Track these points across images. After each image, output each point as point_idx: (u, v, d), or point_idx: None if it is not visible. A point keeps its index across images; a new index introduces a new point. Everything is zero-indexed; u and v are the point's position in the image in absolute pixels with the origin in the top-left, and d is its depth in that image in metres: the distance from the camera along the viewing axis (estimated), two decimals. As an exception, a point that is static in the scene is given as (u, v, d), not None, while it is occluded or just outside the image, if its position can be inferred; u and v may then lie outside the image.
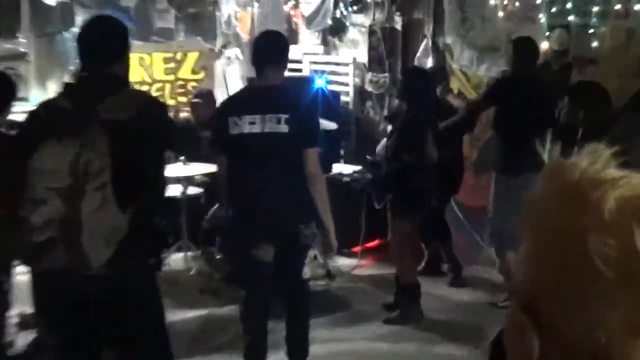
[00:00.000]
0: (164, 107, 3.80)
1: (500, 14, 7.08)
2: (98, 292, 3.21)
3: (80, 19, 8.23)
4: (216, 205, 6.20)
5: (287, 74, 4.54)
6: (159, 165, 3.55)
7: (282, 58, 4.38)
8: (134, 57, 8.52)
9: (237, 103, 4.42)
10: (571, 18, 6.49)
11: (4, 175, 3.35)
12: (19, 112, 4.58)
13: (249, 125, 4.20)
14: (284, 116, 4.16)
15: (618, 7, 6.07)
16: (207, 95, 7.33)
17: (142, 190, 3.28)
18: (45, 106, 3.44)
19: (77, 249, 3.15)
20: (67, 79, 8.48)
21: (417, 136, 5.39)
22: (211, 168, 5.78)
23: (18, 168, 3.24)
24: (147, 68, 8.90)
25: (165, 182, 3.80)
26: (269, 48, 4.36)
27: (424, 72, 6.53)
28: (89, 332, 3.33)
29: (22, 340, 4.86)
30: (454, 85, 7.49)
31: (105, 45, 3.39)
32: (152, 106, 3.52)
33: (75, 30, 8.04)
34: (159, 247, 3.67)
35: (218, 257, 6.25)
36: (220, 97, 7.49)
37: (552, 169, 0.96)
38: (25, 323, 4.88)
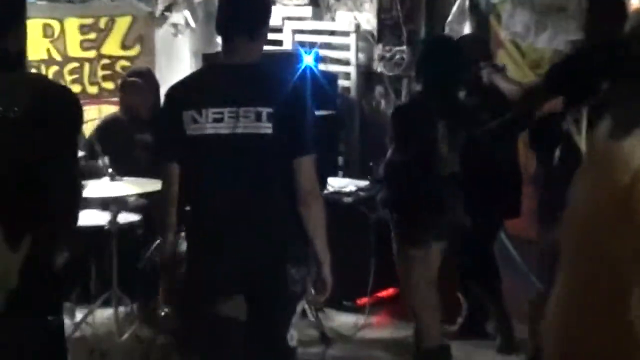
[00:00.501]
0: (70, 96, 3.84)
1: None
2: None
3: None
4: (160, 239, 6.17)
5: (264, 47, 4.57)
6: (63, 179, 3.56)
7: (261, 23, 4.37)
8: (34, 24, 8.53)
9: (195, 90, 4.37)
10: None
11: None
12: None
13: (213, 122, 4.17)
14: (266, 110, 4.14)
15: None
16: (146, 76, 7.43)
17: (40, 216, 3.34)
18: None
19: None
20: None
21: (417, 129, 5.47)
22: (152, 185, 5.75)
23: None
24: (56, 40, 8.98)
25: (74, 202, 3.79)
26: (242, 8, 4.34)
27: (449, 41, 6.59)
28: None
29: None
30: (502, 62, 7.47)
31: None
32: (53, 95, 3.59)
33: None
34: (59, 297, 3.75)
35: (163, 313, 6.24)
36: (165, 81, 7.50)
37: (597, 164, 0.99)
38: None
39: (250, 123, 4.15)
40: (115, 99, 8.06)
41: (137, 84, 7.23)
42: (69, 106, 3.63)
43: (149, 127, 6.54)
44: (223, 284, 4.17)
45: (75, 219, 3.72)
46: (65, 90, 4.08)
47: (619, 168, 1.04)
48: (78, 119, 3.75)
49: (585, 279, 1.10)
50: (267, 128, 4.14)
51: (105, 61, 9.19)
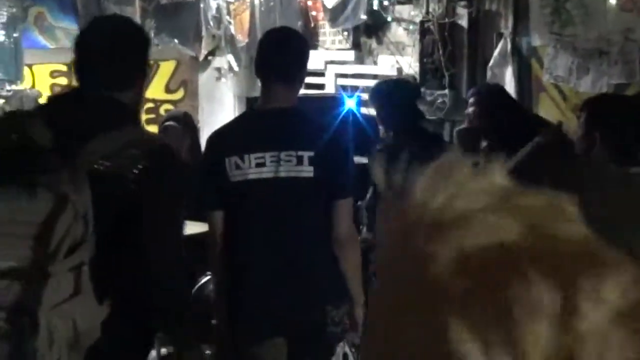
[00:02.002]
0: (182, 163, 4.01)
1: (612, 1, 7.03)
2: None
3: (4, 13, 8.43)
4: (206, 278, 6.24)
5: (305, 91, 4.59)
6: (168, 246, 3.60)
7: (299, 69, 4.41)
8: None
9: (237, 136, 4.39)
10: None
11: None
12: None
13: (256, 167, 4.19)
14: (307, 154, 4.18)
15: None
16: (183, 119, 7.45)
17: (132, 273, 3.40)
18: (10, 129, 3.40)
19: (26, 354, 3.19)
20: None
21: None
22: (199, 227, 5.78)
23: None
24: None
25: (174, 258, 3.70)
26: (282, 53, 4.36)
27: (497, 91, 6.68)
28: None
29: None
30: (544, 107, 7.50)
31: (110, 60, 3.51)
32: (164, 157, 3.60)
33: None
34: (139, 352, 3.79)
35: (208, 353, 6.27)
36: (208, 125, 7.54)
37: (387, 204, 1.00)
38: None
39: (292, 167, 4.18)
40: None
41: (173, 128, 7.27)
42: (180, 173, 3.72)
43: (190, 172, 6.59)
44: (264, 326, 4.19)
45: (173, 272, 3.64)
46: (176, 154, 4.11)
47: None
48: (187, 186, 3.83)
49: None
50: (308, 172, 4.17)
51: (150, 105, 9.30)
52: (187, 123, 7.37)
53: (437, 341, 0.85)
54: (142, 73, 3.67)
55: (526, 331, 0.82)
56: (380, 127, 6.74)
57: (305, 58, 4.54)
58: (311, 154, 4.17)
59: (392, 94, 6.56)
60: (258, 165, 4.18)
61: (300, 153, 4.18)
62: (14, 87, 8.63)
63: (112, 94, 3.47)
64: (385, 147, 6.55)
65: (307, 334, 4.21)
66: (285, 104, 4.31)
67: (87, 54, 3.53)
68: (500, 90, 6.93)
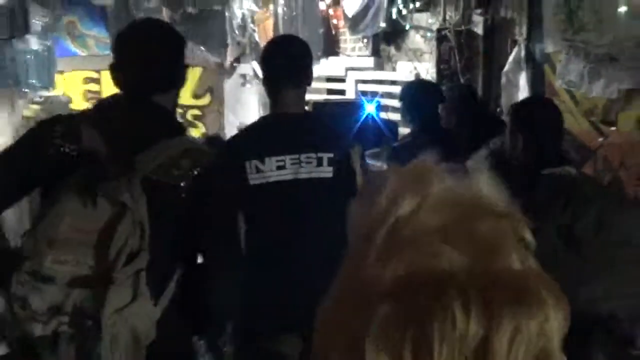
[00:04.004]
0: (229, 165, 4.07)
1: (624, 9, 7.01)
2: None
3: (38, 22, 8.52)
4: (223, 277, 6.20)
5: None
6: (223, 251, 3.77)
7: (306, 75, 4.41)
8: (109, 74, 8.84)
9: (257, 140, 4.37)
10: None
11: None
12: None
13: (276, 170, 4.19)
14: (326, 155, 4.19)
15: None
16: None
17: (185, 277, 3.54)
18: (65, 136, 3.40)
19: (91, 355, 3.27)
20: (23, 106, 8.79)
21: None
22: None
23: None
24: None
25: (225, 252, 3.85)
26: (289, 60, 4.37)
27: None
28: None
29: None
30: (561, 109, 7.43)
31: (156, 64, 3.53)
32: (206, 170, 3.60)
33: (32, 38, 8.33)
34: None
35: (225, 349, 6.31)
36: (232, 129, 7.59)
37: (355, 210, 1.02)
38: None
39: (313, 168, 4.19)
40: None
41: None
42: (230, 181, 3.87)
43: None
44: (281, 322, 4.21)
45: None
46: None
47: None
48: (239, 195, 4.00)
49: None
50: (328, 172, 4.19)
51: (178, 110, 9.27)
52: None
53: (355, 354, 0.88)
54: (181, 74, 3.67)
55: (440, 354, 0.83)
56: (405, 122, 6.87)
57: (310, 62, 4.51)
58: (331, 155, 4.19)
59: (418, 94, 6.66)
60: (279, 167, 4.18)
61: (320, 154, 4.19)
62: (46, 93, 8.71)
63: (154, 96, 3.47)
64: (401, 145, 6.62)
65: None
66: (299, 109, 4.36)
67: (129, 57, 3.52)
68: (465, 94, 7.03)
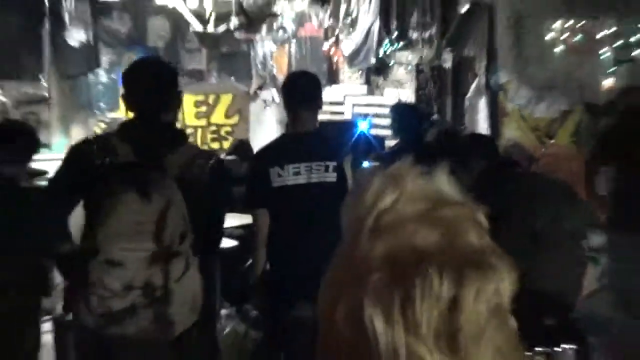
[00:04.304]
0: (223, 165, 4.07)
1: (560, 47, 7.08)
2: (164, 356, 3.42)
3: (105, 59, 8.54)
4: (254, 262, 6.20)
5: (328, 117, 4.58)
6: (221, 226, 3.84)
7: (317, 100, 4.39)
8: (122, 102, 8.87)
9: (278, 151, 4.35)
10: (638, 52, 6.48)
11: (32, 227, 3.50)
12: (41, 160, 4.74)
13: (293, 175, 4.19)
14: (332, 163, 4.17)
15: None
16: (247, 144, 7.55)
17: (210, 252, 3.63)
18: (104, 150, 3.45)
19: (165, 317, 3.32)
20: (94, 124, 8.77)
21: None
22: (247, 219, 5.63)
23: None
24: None
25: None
26: (305, 89, 4.37)
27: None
28: None
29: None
30: (509, 128, 7.49)
31: (159, 92, 3.52)
32: (215, 165, 3.67)
33: (101, 71, 8.36)
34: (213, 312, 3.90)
35: (254, 315, 6.25)
36: (257, 141, 7.60)
37: (348, 204, 1.01)
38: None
39: (321, 174, 4.17)
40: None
41: (243, 143, 7.38)
42: (224, 171, 3.94)
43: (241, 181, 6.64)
44: (298, 292, 4.16)
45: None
46: (220, 159, 4.19)
47: None
48: (229, 181, 4.10)
49: None
50: (332, 177, 4.16)
51: (213, 128, 9.26)
52: (247, 146, 7.46)
53: (355, 319, 0.89)
54: (177, 96, 3.67)
55: (421, 309, 0.86)
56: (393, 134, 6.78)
57: (320, 91, 4.48)
58: (334, 163, 4.16)
59: (404, 112, 6.62)
60: (295, 173, 4.16)
61: (327, 163, 4.16)
62: (112, 114, 8.71)
63: (161, 115, 3.49)
64: (386, 153, 6.61)
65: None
66: (312, 127, 4.30)
67: (136, 89, 3.52)
68: (405, 109, 6.84)
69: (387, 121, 8.58)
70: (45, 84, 7.50)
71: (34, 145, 4.57)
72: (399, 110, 6.74)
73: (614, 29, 6.56)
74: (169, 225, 3.25)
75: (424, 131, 6.65)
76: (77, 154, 3.46)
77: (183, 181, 3.33)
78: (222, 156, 7.75)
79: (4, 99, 7.10)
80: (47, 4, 7.27)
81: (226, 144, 9.04)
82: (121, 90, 3.65)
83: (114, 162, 3.35)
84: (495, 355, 0.91)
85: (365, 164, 6.01)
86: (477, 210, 0.98)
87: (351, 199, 1.01)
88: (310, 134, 4.27)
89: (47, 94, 7.36)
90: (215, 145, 9.02)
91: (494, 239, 0.96)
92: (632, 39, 6.46)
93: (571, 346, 2.98)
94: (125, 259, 3.25)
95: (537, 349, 2.70)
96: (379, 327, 0.88)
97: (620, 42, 6.56)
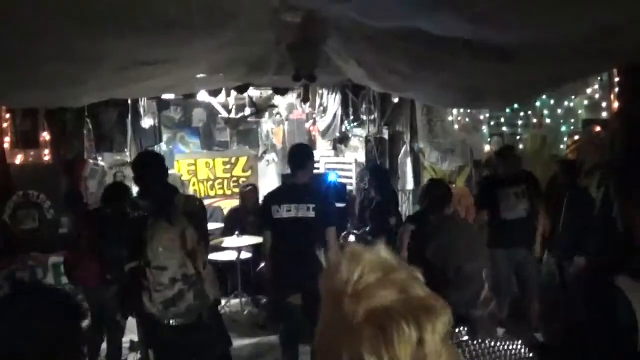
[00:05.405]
0: (203, 204, 4.16)
1: (456, 126, 7.04)
2: (202, 322, 3.47)
3: (165, 136, 8.59)
4: (261, 265, 6.08)
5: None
6: (207, 236, 3.98)
7: (309, 163, 4.26)
8: (201, 162, 8.91)
9: (278, 195, 4.25)
10: (504, 128, 6.44)
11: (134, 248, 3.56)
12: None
13: (286, 212, 4.08)
14: (311, 205, 4.04)
15: (535, 120, 6.01)
16: (252, 188, 7.42)
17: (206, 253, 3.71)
18: (139, 203, 3.63)
19: (203, 293, 3.41)
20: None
21: None
22: (257, 239, 5.75)
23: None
24: (211, 169, 9.05)
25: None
26: (300, 157, 4.23)
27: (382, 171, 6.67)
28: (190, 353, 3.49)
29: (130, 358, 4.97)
30: (426, 177, 7.34)
31: (163, 170, 3.74)
32: (200, 203, 3.93)
33: (162, 144, 8.41)
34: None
35: (263, 301, 6.24)
36: (262, 188, 7.61)
37: (324, 273, 0.90)
38: (133, 347, 4.99)
39: (305, 212, 4.04)
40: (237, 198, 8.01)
41: (247, 192, 7.20)
42: (204, 207, 4.03)
43: (254, 213, 6.44)
44: (290, 287, 4.11)
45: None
46: (201, 200, 4.29)
47: None
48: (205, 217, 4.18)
49: None
50: (312, 214, 4.04)
51: (234, 179, 9.18)
52: (253, 189, 7.35)
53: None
54: (167, 172, 3.82)
55: (399, 349, 0.81)
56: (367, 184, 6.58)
57: (312, 157, 4.36)
58: (313, 205, 4.03)
59: (372, 170, 6.59)
60: (287, 210, 4.05)
61: (308, 205, 4.02)
62: (171, 171, 8.67)
63: (162, 182, 3.69)
64: (364, 198, 6.57)
65: (312, 292, 4.14)
66: (305, 180, 4.16)
67: (143, 171, 3.68)
68: (374, 170, 6.76)
69: (347, 173, 8.64)
70: (127, 153, 7.62)
71: (127, 192, 4.80)
72: (376, 170, 6.68)
73: (487, 114, 6.56)
74: (188, 238, 3.31)
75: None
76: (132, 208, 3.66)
77: (185, 213, 3.46)
78: (242, 190, 7.42)
79: (103, 164, 7.25)
80: (130, 102, 7.42)
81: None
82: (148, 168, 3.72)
83: (138, 215, 3.48)
84: None
85: (337, 204, 5.82)
86: (410, 268, 0.89)
87: (328, 273, 0.89)
88: (300, 185, 4.17)
89: (129, 159, 7.49)
90: (235, 190, 8.90)
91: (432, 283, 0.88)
92: (501, 120, 6.44)
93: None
94: (167, 263, 3.29)
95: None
96: None
97: (492, 122, 6.55)
